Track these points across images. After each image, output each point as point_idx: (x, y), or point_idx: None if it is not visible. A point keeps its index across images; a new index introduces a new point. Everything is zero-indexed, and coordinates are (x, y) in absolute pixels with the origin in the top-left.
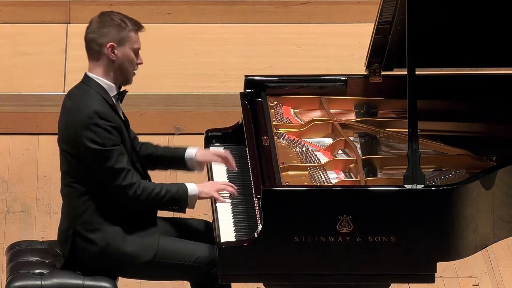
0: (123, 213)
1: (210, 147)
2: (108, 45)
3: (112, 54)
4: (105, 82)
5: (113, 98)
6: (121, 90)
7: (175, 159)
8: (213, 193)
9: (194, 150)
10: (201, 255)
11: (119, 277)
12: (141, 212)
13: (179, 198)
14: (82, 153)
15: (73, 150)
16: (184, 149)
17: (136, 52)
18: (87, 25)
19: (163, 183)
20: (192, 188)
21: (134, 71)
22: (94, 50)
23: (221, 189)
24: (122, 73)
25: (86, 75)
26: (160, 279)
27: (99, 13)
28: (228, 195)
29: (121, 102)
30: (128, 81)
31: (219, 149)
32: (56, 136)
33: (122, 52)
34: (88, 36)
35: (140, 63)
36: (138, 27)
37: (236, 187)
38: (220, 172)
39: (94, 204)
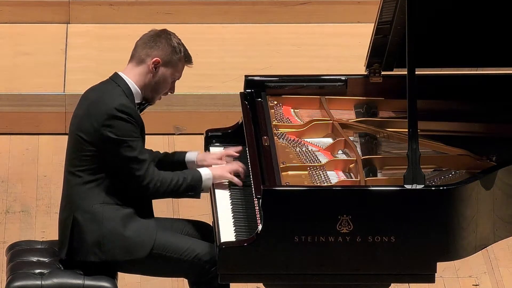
0: (121, 206)
1: (210, 147)
2: (154, 59)
3: (154, 69)
4: (134, 87)
5: (135, 104)
6: (143, 102)
7: (175, 164)
8: (226, 174)
9: (194, 153)
10: (202, 252)
11: (119, 277)
12: (139, 206)
13: (194, 185)
14: (103, 143)
15: (93, 139)
16: (184, 153)
17: (174, 80)
18: (86, 25)
19: (178, 172)
20: (206, 173)
21: (162, 96)
22: (139, 56)
23: (234, 169)
24: (153, 90)
25: (116, 74)
26: (159, 275)
27: (162, 29)
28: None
29: (140, 112)
30: (152, 100)
31: (218, 151)
32: (56, 136)
33: (163, 72)
34: (141, 41)
35: (171, 93)
36: (189, 60)
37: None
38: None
39: (95, 195)
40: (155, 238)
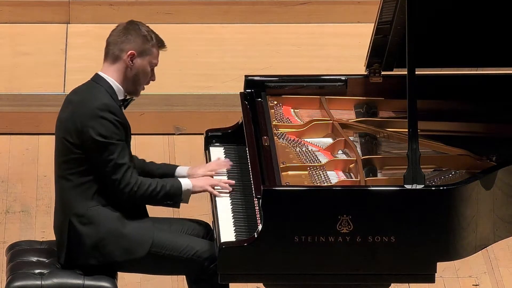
0: (116, 207)
1: (210, 147)
2: (129, 52)
3: (130, 62)
4: (116, 85)
5: (119, 102)
6: (127, 97)
7: (164, 176)
8: (207, 187)
9: (185, 168)
10: (201, 249)
11: (119, 277)
12: (134, 207)
13: (174, 194)
14: (86, 144)
15: (77, 141)
16: (175, 167)
17: (152, 67)
18: (86, 25)
19: (158, 179)
20: (186, 183)
21: (145, 86)
22: (113, 53)
23: (215, 184)
24: (134, 83)
25: (97, 74)
26: (159, 273)
27: (128, 20)
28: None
29: (124, 108)
30: (136, 93)
31: (210, 165)
32: None
33: (140, 63)
34: (111, 38)
35: (153, 80)
36: (161, 44)
37: (231, 184)
38: (219, 172)
39: (88, 197)
40: (153, 236)
